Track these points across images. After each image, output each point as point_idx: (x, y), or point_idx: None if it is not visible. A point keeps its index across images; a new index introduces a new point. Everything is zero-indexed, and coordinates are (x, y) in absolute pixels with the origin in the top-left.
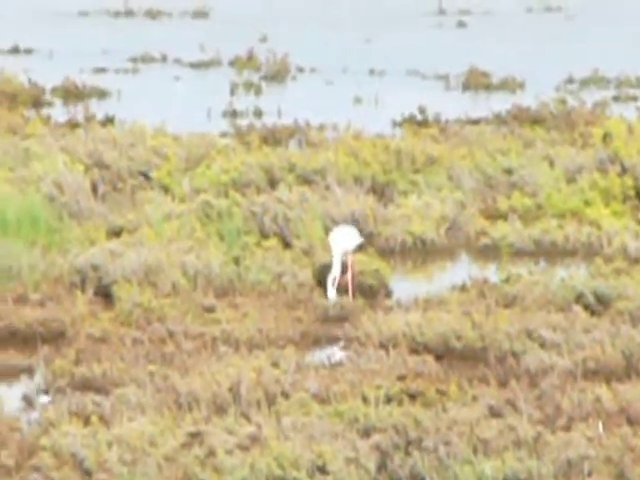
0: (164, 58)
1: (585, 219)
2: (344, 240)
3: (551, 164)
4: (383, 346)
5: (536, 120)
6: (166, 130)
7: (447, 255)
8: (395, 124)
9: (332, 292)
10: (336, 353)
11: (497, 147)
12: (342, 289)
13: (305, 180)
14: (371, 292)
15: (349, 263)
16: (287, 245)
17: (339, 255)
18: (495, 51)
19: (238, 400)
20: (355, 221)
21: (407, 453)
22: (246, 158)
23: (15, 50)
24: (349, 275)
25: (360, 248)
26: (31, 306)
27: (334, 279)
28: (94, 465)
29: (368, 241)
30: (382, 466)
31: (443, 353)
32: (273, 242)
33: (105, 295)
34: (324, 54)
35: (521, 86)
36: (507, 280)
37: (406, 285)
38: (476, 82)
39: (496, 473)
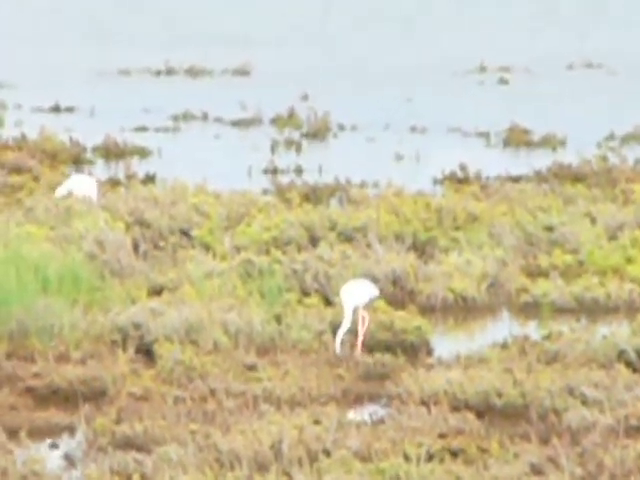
0: (205, 116)
1: (627, 276)
2: (356, 294)
3: (592, 221)
4: (424, 403)
5: (577, 177)
6: (207, 188)
7: (488, 312)
8: (436, 181)
9: (339, 345)
10: (377, 411)
11: (538, 204)
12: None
13: (346, 238)
14: (412, 349)
15: (361, 317)
16: (328, 303)
17: (350, 309)
18: (536, 108)
19: (280, 458)
20: (397, 278)
21: None
22: (287, 216)
23: (56, 109)
24: (360, 329)
25: (374, 301)
26: (72, 364)
27: (344, 333)
28: None
29: (409, 298)
30: None
31: (484, 410)
32: (314, 300)
33: (146, 353)
34: (365, 112)
35: (562, 143)
36: (548, 337)
37: (447, 342)
38: (517, 139)
39: None
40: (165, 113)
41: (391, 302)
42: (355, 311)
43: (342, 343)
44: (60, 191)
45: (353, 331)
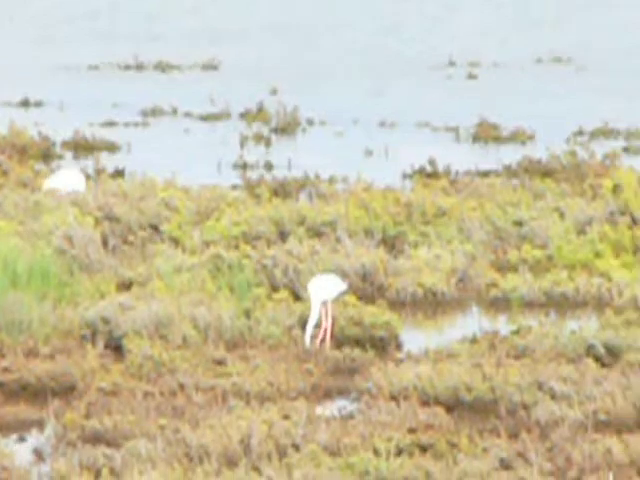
0: (174, 111)
1: (595, 271)
2: (323, 288)
3: (561, 216)
4: (394, 398)
5: (546, 172)
6: (176, 183)
7: (457, 307)
8: (405, 176)
9: (308, 339)
10: (347, 405)
11: (507, 199)
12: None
13: (315, 232)
14: (382, 344)
15: (328, 311)
16: (297, 298)
17: (318, 303)
18: (505, 103)
19: (249, 453)
20: (366, 273)
21: None
22: (256, 211)
23: (25, 103)
24: (328, 323)
25: (343, 295)
26: (41, 359)
27: (312, 327)
28: None
29: (378, 293)
30: None
31: (454, 405)
32: (284, 295)
33: (115, 348)
34: (334, 106)
35: (531, 138)
36: (517, 332)
37: (417, 337)
38: (486, 134)
39: None
40: (134, 108)
41: (360, 297)
42: (323, 305)
43: (311, 337)
44: (48, 184)
45: (321, 325)
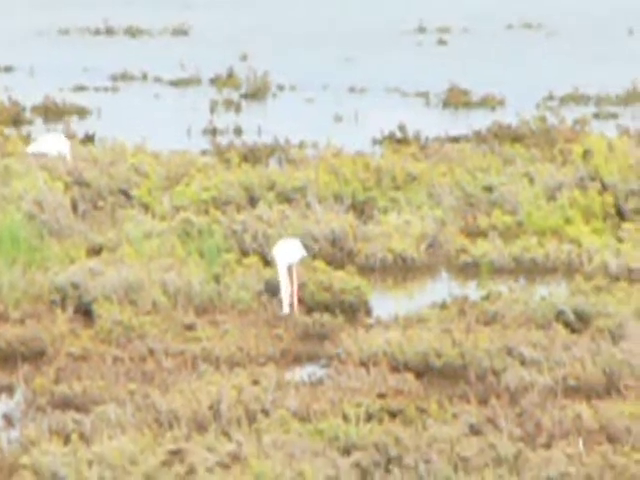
0: (144, 76)
1: (565, 237)
2: (288, 253)
3: (531, 181)
4: (363, 364)
5: (516, 137)
6: (146, 148)
7: (427, 273)
8: (375, 142)
9: (287, 306)
10: (316, 371)
11: (477, 165)
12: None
13: (285, 198)
14: (351, 309)
15: (294, 275)
16: (267, 263)
17: (284, 268)
18: (475, 68)
19: (218, 418)
20: (336, 238)
21: (387, 471)
22: (226, 176)
23: None
24: (295, 287)
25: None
26: (11, 324)
27: (288, 293)
28: None
29: (348, 258)
30: None
31: (423, 371)
32: (253, 260)
33: (85, 313)
34: (304, 72)
35: (501, 103)
36: (487, 298)
37: (386, 303)
38: (456, 100)
39: None
40: (104, 73)
41: (330, 262)
42: (289, 270)
43: (290, 305)
44: (32, 148)
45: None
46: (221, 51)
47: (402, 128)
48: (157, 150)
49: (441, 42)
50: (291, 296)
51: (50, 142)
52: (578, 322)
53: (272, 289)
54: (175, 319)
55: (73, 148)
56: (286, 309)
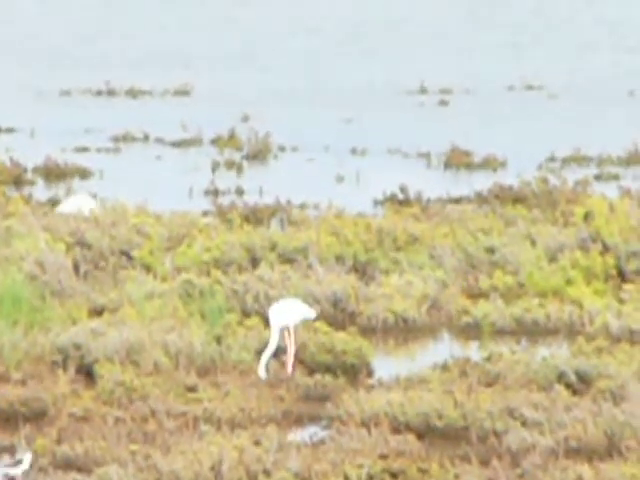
0: (146, 137)
1: (567, 298)
2: (282, 314)
3: (533, 243)
4: (365, 425)
5: (518, 199)
6: (148, 209)
7: (429, 334)
8: (377, 203)
9: (263, 370)
10: (318, 432)
11: (479, 226)
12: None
13: (287, 259)
14: (353, 370)
15: (291, 337)
16: (269, 324)
17: (277, 330)
18: (477, 130)
19: (220, 479)
20: (337, 299)
21: None
22: (228, 237)
23: None
24: (291, 349)
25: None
26: (12, 385)
27: (269, 354)
28: None
29: (350, 319)
30: None
31: (425, 432)
32: (255, 321)
33: (87, 374)
34: (306, 133)
35: (503, 165)
36: (489, 359)
37: (388, 364)
38: (458, 161)
39: None
40: (106, 134)
41: (332, 323)
42: (283, 332)
43: (268, 365)
44: (62, 208)
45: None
46: (222, 112)
47: (403, 189)
48: (159, 211)
49: (442, 103)
50: (290, 357)
51: (77, 203)
52: (580, 383)
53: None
54: (177, 380)
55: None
56: (262, 374)
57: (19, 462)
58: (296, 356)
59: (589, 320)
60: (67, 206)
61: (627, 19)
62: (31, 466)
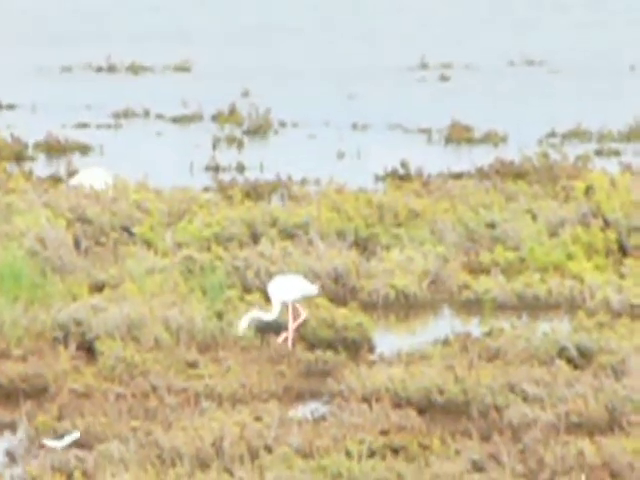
0: (146, 113)
1: (568, 273)
2: (281, 289)
3: (534, 218)
4: (366, 400)
5: (519, 174)
6: (148, 185)
7: (430, 309)
8: (377, 178)
9: (243, 324)
10: (319, 408)
11: (480, 201)
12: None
13: (287, 235)
14: (354, 346)
15: (290, 312)
16: (270, 300)
17: (277, 304)
18: (477, 105)
19: (221, 455)
20: (338, 275)
21: None
22: (228, 213)
23: None
24: (291, 325)
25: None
26: (13, 361)
27: (253, 317)
28: None
29: (351, 295)
30: None
31: (426, 407)
32: (256, 297)
33: (88, 350)
34: (306, 108)
35: (503, 140)
36: (490, 334)
37: (389, 339)
38: (458, 136)
39: None
40: (106, 110)
41: (333, 299)
42: (284, 306)
43: (247, 326)
44: (76, 180)
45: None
46: (223, 87)
47: (404, 164)
48: (159, 187)
49: (443, 78)
50: (289, 332)
51: (92, 175)
52: (580, 358)
53: (271, 326)
54: (178, 356)
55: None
56: (241, 328)
57: (61, 437)
58: (297, 331)
59: (590, 295)
60: (81, 178)
61: None
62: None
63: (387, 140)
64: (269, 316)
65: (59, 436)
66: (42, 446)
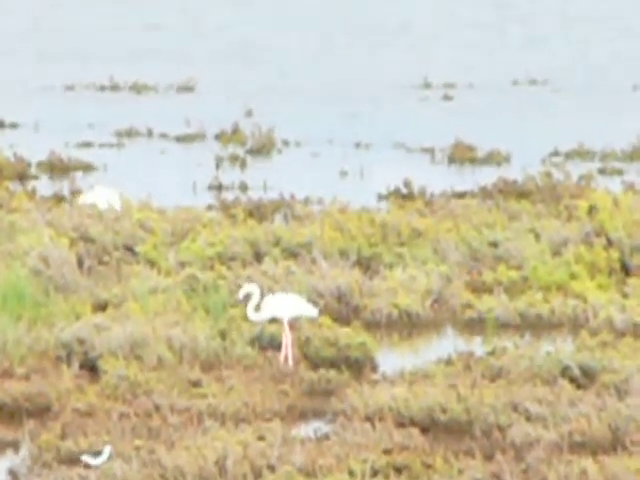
0: (150, 132)
1: (571, 292)
2: (274, 307)
3: (537, 237)
4: (369, 419)
5: (522, 193)
6: (151, 204)
7: (433, 328)
8: (381, 197)
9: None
10: (322, 427)
11: (483, 220)
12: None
13: (291, 254)
14: (357, 365)
15: (286, 330)
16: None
17: (266, 314)
18: (481, 124)
19: (224, 474)
20: (341, 294)
21: None
22: (231, 232)
23: (0, 124)
24: (286, 341)
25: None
26: (17, 380)
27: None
28: None
29: (354, 314)
30: None
31: (429, 426)
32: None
33: (91, 369)
34: (310, 127)
35: (507, 159)
36: (493, 353)
37: (392, 358)
38: (461, 155)
39: None
40: (110, 129)
41: (336, 318)
42: (279, 323)
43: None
44: (84, 199)
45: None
46: (226, 107)
47: (407, 184)
48: (162, 206)
49: (446, 97)
50: (286, 348)
51: (101, 194)
52: (584, 378)
53: (270, 343)
54: (181, 375)
55: (77, 203)
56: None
57: (98, 454)
58: (291, 347)
59: (593, 314)
60: (90, 197)
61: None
62: (109, 458)
63: (390, 159)
64: (252, 305)
65: (96, 452)
66: (81, 463)
